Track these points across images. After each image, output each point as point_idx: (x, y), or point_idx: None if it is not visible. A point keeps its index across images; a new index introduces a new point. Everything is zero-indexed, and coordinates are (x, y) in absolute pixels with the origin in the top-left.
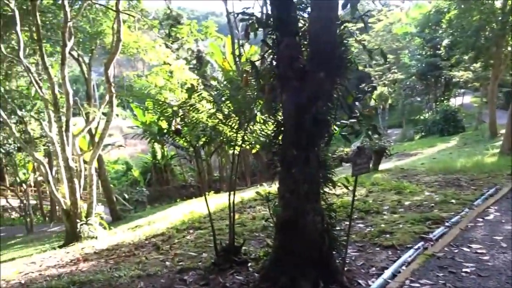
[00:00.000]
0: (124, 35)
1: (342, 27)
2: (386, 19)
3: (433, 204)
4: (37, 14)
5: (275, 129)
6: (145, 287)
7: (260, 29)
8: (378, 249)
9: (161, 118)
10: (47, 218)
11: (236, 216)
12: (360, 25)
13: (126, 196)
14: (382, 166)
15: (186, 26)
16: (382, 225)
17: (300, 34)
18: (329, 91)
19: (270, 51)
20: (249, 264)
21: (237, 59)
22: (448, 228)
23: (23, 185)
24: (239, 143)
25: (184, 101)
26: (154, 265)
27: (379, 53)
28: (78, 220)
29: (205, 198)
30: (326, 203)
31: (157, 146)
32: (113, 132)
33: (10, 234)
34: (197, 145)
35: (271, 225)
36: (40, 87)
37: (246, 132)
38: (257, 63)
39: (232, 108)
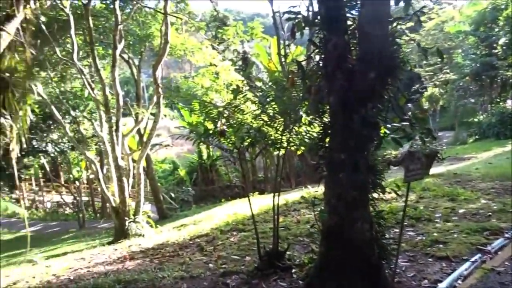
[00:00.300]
0: (172, 37)
1: (394, 24)
2: (438, 18)
3: (490, 213)
4: (90, 18)
5: (321, 131)
6: None
7: (306, 28)
8: (430, 260)
9: (207, 119)
10: (98, 215)
11: (280, 219)
12: (410, 24)
13: (173, 195)
14: (433, 170)
15: (232, 27)
16: (435, 234)
17: (349, 32)
18: (380, 92)
19: (317, 50)
20: (293, 271)
21: (282, 60)
22: (508, 240)
23: (76, 182)
24: (284, 145)
25: (229, 102)
26: (198, 266)
27: (434, 52)
28: (126, 218)
29: (249, 201)
30: (375, 210)
31: (203, 146)
32: (161, 132)
33: (64, 229)
34: (241, 146)
35: (317, 230)
36: (92, 89)
37: (291, 134)
38: (304, 63)
39: (277, 110)
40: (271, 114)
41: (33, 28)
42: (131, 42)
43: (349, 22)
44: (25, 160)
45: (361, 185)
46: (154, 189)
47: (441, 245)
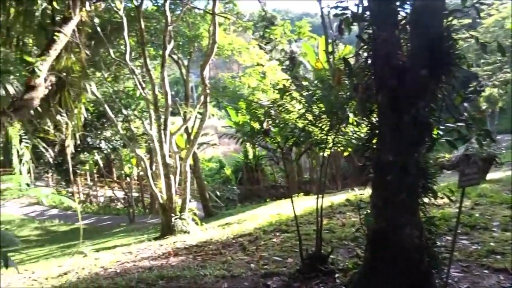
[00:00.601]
0: (220, 38)
1: (450, 18)
2: (498, 14)
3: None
4: (142, 20)
5: (368, 131)
6: None
7: (354, 24)
8: (486, 271)
9: (252, 118)
10: (147, 210)
11: (325, 221)
12: (467, 21)
13: (218, 194)
14: (491, 175)
15: (280, 27)
16: (492, 244)
17: (400, 27)
18: (433, 91)
19: (365, 47)
20: (336, 275)
21: (330, 58)
22: None
23: (128, 178)
24: (330, 145)
25: (273, 101)
26: (239, 266)
27: (493, 49)
28: (172, 215)
29: (292, 202)
30: (426, 216)
31: (249, 146)
32: (209, 131)
33: (115, 223)
34: (285, 146)
35: (362, 234)
36: (143, 88)
37: (338, 134)
38: (351, 61)
39: (323, 109)
40: (316, 113)
41: (88, 30)
42: (180, 43)
43: (400, 16)
44: (81, 156)
45: (411, 188)
46: (200, 187)
47: (498, 256)
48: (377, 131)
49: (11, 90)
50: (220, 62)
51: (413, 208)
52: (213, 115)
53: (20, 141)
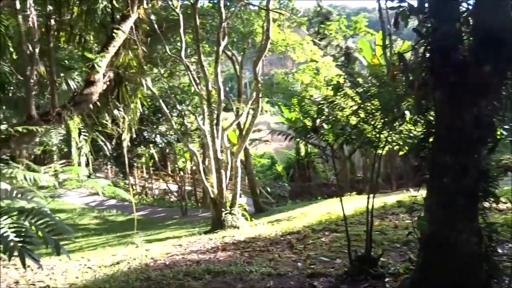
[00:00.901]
0: (273, 34)
1: None
2: None
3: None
4: (197, 17)
5: (424, 130)
6: (274, 286)
7: (412, 18)
8: None
9: (304, 115)
10: (199, 204)
11: (376, 222)
12: None
13: (269, 190)
14: None
15: (335, 22)
16: None
17: (461, 20)
18: (497, 88)
19: (422, 41)
20: (387, 280)
21: (387, 53)
22: None
23: (181, 172)
24: (382, 144)
25: (324, 97)
26: (286, 264)
27: None
28: (223, 209)
29: (341, 201)
30: (486, 222)
31: (301, 143)
32: (261, 127)
33: (168, 215)
34: (335, 144)
35: (415, 238)
36: (197, 84)
37: (391, 132)
38: (408, 55)
39: (376, 106)
40: (369, 110)
41: (146, 27)
42: (234, 40)
43: (461, 8)
44: (138, 149)
45: (469, 192)
46: (251, 182)
47: None
48: (433, 130)
49: (72, 85)
50: (275, 58)
51: (471, 213)
52: (266, 111)
53: (79, 134)
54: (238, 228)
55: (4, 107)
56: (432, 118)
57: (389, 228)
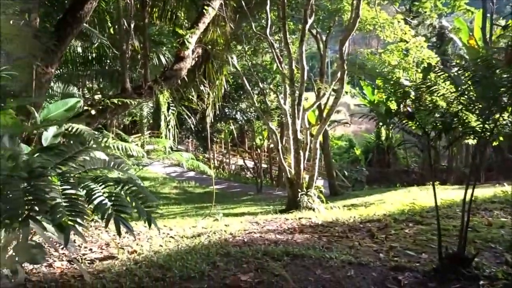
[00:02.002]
0: (362, 11)
1: None
2: None
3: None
4: None
5: None
6: (355, 276)
7: None
8: None
9: (391, 98)
10: (274, 182)
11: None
12: None
13: (346, 173)
14: None
15: None
16: None
17: None
18: None
19: None
20: (481, 283)
21: (487, 36)
22: None
23: (258, 149)
24: (487, 134)
25: (422, 81)
26: (367, 253)
27: None
28: (299, 190)
29: (434, 191)
30: None
31: (383, 127)
32: (341, 108)
33: (244, 191)
34: (432, 132)
35: None
36: (281, 62)
37: (499, 122)
38: None
39: (482, 93)
40: (472, 97)
41: (234, 4)
42: (320, 17)
43: None
44: (218, 125)
45: None
46: (328, 165)
47: None
48: None
49: (163, 61)
50: (359, 37)
51: None
52: (346, 92)
53: (168, 108)
54: (313, 210)
55: (101, 79)
56: None
57: (482, 225)
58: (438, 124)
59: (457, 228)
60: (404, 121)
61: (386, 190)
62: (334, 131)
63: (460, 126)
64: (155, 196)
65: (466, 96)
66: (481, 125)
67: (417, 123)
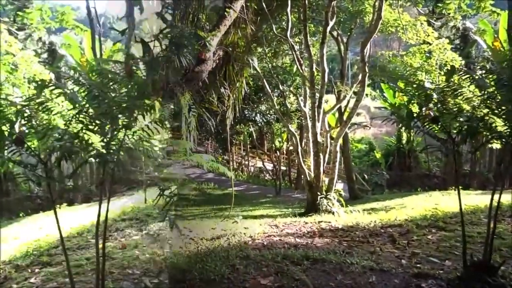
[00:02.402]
0: (384, 13)
1: None
2: None
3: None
4: None
5: None
6: (376, 282)
7: None
8: None
9: (412, 101)
10: (292, 185)
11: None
12: None
13: (366, 177)
14: None
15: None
16: None
17: None
18: None
19: None
20: None
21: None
22: None
23: (277, 152)
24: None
25: (447, 84)
26: (388, 259)
27: None
28: (318, 193)
29: (459, 197)
30: None
31: (404, 130)
32: (361, 111)
33: (262, 193)
34: (457, 137)
35: None
36: (301, 65)
37: None
38: None
39: (508, 96)
40: (500, 101)
41: (255, 6)
42: (341, 19)
43: None
44: (238, 127)
45: None
46: (348, 168)
47: None
48: None
49: (184, 63)
50: (380, 39)
51: None
52: (367, 95)
53: (189, 110)
54: (333, 213)
55: None
56: None
57: (508, 232)
58: (463, 129)
59: (482, 235)
60: (428, 125)
61: (407, 194)
62: (354, 134)
63: (486, 131)
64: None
65: (492, 100)
66: (509, 130)
67: (442, 127)
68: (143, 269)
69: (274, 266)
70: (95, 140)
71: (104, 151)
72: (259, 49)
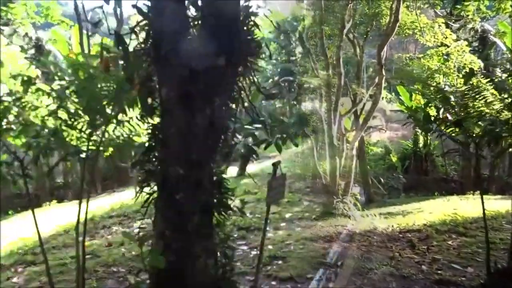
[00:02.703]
0: (402, 15)
1: None
2: None
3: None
4: None
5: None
6: None
7: None
8: (274, 283)
9: (430, 104)
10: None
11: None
12: None
13: (382, 180)
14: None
15: (475, 1)
16: (270, 247)
17: None
18: (230, 85)
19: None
20: None
21: None
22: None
23: None
24: None
25: (469, 87)
26: (408, 265)
27: None
28: (334, 197)
29: (482, 202)
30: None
31: (420, 133)
32: (376, 114)
33: None
34: (479, 141)
35: None
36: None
37: None
38: None
39: None
40: None
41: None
42: (357, 22)
43: None
44: None
45: (205, 207)
46: (364, 171)
47: (280, 262)
48: (160, 136)
49: None
50: (396, 42)
51: (207, 231)
52: (383, 98)
53: None
54: (349, 217)
55: None
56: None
57: None
58: (486, 133)
59: (505, 241)
60: (450, 129)
61: (424, 199)
62: (370, 137)
63: (511, 135)
64: None
65: None
66: None
67: (464, 130)
68: (128, 267)
69: None
70: (74, 136)
71: (84, 148)
72: None
